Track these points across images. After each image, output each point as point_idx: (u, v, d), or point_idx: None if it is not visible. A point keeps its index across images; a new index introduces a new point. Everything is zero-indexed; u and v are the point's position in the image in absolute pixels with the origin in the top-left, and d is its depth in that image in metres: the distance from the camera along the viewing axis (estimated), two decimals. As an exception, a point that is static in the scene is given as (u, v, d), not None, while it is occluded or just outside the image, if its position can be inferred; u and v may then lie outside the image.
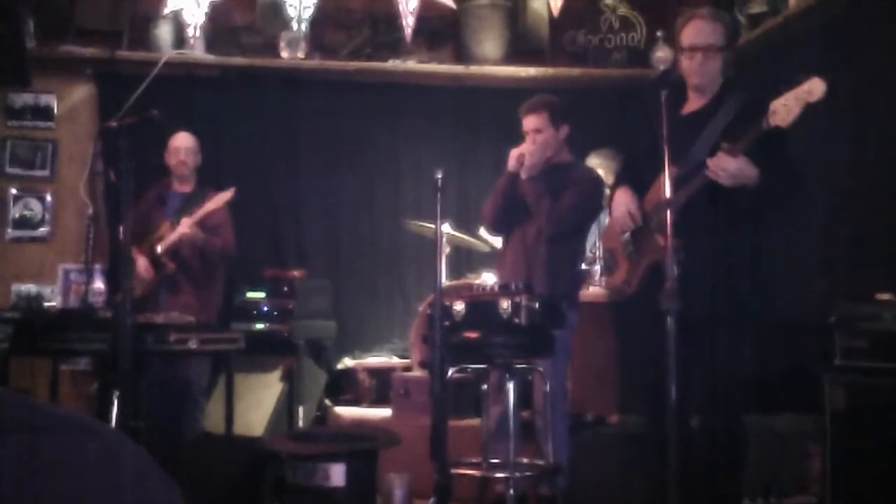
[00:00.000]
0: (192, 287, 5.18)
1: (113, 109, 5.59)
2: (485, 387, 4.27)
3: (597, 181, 4.61)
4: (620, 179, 4.03)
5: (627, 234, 3.82)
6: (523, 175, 4.34)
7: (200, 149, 5.50)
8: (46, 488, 0.67)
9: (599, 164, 5.58)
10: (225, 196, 5.09)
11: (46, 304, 5.93)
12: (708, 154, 3.49)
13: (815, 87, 3.15)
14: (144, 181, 5.24)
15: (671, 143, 3.24)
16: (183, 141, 5.37)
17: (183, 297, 5.11)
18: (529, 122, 4.41)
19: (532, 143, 4.37)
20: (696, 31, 3.66)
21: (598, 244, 5.24)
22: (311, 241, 6.47)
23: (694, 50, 3.63)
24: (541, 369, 4.04)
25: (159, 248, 5.09)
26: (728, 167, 3.32)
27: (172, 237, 5.07)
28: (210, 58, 6.24)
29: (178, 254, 5.14)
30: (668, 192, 3.23)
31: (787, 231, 5.08)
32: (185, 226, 5.02)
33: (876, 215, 4.53)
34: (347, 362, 6.10)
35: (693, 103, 3.73)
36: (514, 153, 4.38)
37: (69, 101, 6.36)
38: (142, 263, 5.07)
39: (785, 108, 3.18)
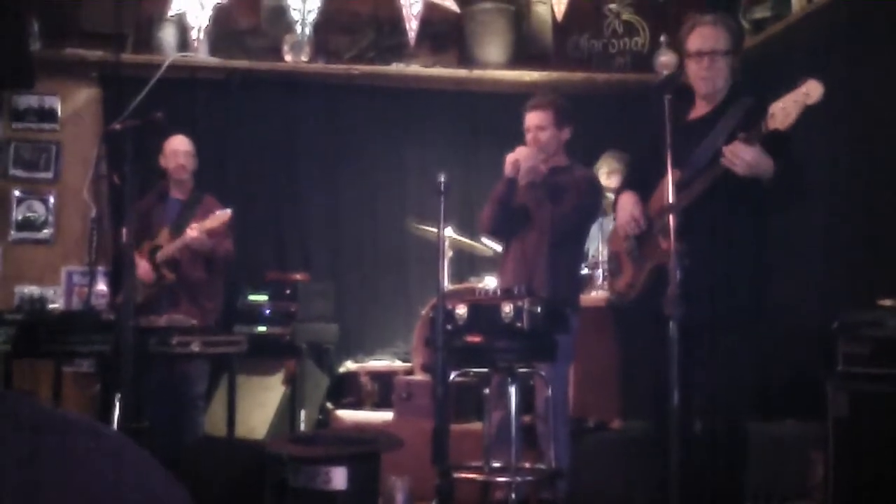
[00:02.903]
0: (192, 296, 5.15)
1: (117, 112, 5.59)
2: (487, 391, 4.26)
3: (595, 183, 4.61)
4: (625, 184, 4.04)
5: (632, 238, 3.82)
6: (522, 181, 4.30)
7: (198, 152, 5.44)
8: (49, 487, 0.68)
9: (610, 167, 5.56)
10: (223, 217, 5.00)
11: (49, 306, 5.93)
12: (710, 159, 3.49)
13: (812, 90, 3.15)
14: (147, 183, 5.25)
15: (675, 147, 3.24)
16: (180, 144, 5.29)
17: (184, 305, 5.09)
18: (533, 119, 4.38)
19: (533, 142, 4.35)
20: (701, 36, 3.67)
21: (600, 248, 5.24)
22: (313, 244, 6.48)
23: (700, 55, 3.64)
24: (542, 374, 4.03)
25: (158, 258, 5.07)
26: (745, 156, 3.30)
27: (175, 245, 5.03)
28: (214, 61, 6.25)
29: (178, 263, 5.12)
30: (671, 197, 3.24)
31: (788, 236, 5.08)
32: (196, 231, 4.95)
33: (877, 220, 4.53)
34: (349, 366, 6.10)
35: (700, 109, 3.74)
36: (509, 158, 4.32)
37: (73, 104, 6.37)
38: (142, 267, 5.04)
39: (783, 112, 3.18)
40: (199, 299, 5.16)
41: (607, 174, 5.49)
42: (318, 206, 6.51)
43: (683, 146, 3.35)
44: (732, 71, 3.72)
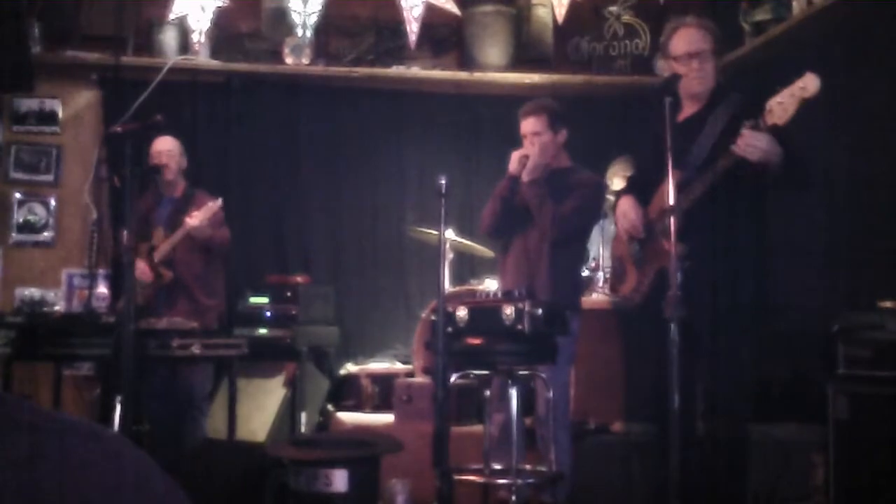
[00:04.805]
0: (192, 292, 5.16)
1: (117, 115, 5.59)
2: (487, 393, 4.26)
3: (598, 185, 4.62)
4: (625, 189, 4.04)
5: (635, 242, 3.82)
6: (525, 178, 4.32)
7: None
8: (48, 488, 0.68)
9: (623, 171, 5.53)
10: (217, 205, 5.03)
11: (50, 308, 5.93)
12: (707, 157, 3.50)
13: (809, 83, 3.16)
14: (147, 186, 5.26)
15: (673, 149, 3.24)
16: (163, 144, 5.27)
17: (182, 303, 5.10)
18: (528, 125, 4.40)
19: (531, 147, 4.37)
20: (688, 38, 3.68)
21: (601, 250, 5.24)
22: (314, 246, 6.47)
23: (690, 57, 3.65)
24: (543, 376, 4.03)
25: (156, 257, 5.07)
26: (759, 143, 3.30)
27: (172, 239, 5.05)
28: (214, 64, 6.25)
29: (175, 261, 5.12)
30: (671, 199, 3.24)
31: (789, 238, 5.08)
32: (196, 219, 4.96)
33: (878, 221, 4.53)
34: (350, 368, 6.10)
35: (687, 109, 3.75)
36: (515, 155, 4.36)
37: (74, 107, 6.37)
38: (140, 268, 5.02)
39: (780, 106, 3.19)
40: (197, 296, 5.16)
41: (622, 178, 5.47)
42: (318, 209, 6.50)
43: (677, 147, 3.35)
44: (716, 70, 3.74)
